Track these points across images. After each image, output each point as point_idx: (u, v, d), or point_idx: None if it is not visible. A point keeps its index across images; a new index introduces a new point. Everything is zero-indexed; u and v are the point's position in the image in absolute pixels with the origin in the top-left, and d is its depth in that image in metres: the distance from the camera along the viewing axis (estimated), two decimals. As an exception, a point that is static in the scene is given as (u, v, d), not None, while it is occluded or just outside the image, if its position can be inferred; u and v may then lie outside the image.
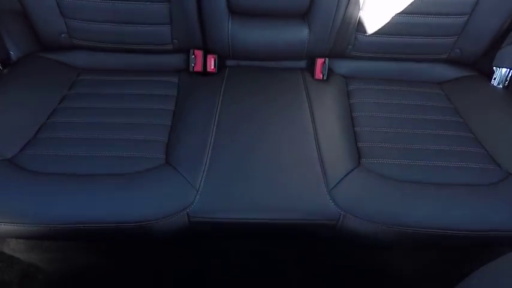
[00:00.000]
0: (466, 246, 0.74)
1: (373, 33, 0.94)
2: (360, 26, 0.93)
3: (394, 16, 0.91)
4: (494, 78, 0.97)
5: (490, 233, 0.68)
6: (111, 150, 0.75)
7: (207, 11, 0.90)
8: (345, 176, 0.73)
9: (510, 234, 0.68)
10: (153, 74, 0.98)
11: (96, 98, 0.89)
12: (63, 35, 0.94)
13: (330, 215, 0.70)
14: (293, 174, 0.73)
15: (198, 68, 1.00)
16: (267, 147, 0.77)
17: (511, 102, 0.92)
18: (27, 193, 0.67)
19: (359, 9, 0.91)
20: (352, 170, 0.74)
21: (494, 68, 0.96)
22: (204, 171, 0.72)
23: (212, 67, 1.00)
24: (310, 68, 1.02)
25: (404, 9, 0.90)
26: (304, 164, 0.75)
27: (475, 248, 0.78)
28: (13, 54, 0.97)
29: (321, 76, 1.00)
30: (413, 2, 0.88)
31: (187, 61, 1.00)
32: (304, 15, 0.93)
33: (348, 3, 0.89)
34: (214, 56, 0.99)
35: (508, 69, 0.94)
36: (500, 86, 0.96)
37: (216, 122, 0.81)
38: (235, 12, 0.92)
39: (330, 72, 1.02)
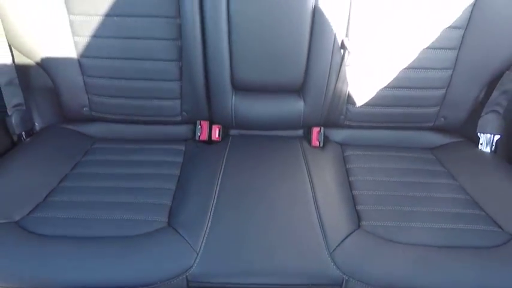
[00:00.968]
0: None
1: (362, 105, 1.05)
2: (349, 99, 1.04)
3: (379, 90, 1.02)
4: (481, 143, 1.03)
5: None
6: (114, 213, 0.77)
7: (214, 87, 1.02)
8: (345, 238, 0.73)
9: None
10: (161, 142, 1.06)
11: (107, 165, 0.95)
12: (84, 109, 1.06)
13: (333, 279, 0.68)
14: (293, 238, 0.73)
15: (204, 137, 1.09)
16: (267, 212, 0.79)
17: (501, 166, 0.96)
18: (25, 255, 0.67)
19: (347, 85, 1.03)
20: (353, 232, 0.75)
21: (478, 134, 1.03)
22: (205, 234, 0.73)
23: (217, 136, 1.08)
24: (307, 136, 1.10)
25: (388, 84, 1.01)
26: (304, 227, 0.75)
27: None
28: (37, 125, 1.07)
29: (318, 144, 1.07)
30: (395, 78, 1.00)
31: (194, 131, 1.09)
32: (299, 90, 1.04)
33: (336, 80, 1.01)
34: (219, 126, 1.09)
35: (492, 134, 1.01)
36: (488, 150, 1.02)
37: (218, 187, 0.85)
38: (238, 88, 1.04)
39: (326, 139, 1.09)
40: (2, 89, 0.97)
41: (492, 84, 1.01)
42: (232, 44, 0.94)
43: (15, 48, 0.97)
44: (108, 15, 0.92)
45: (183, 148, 1.04)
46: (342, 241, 0.72)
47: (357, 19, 0.93)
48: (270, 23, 0.92)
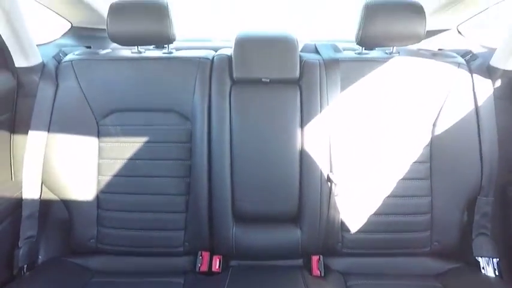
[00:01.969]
0: None
1: (356, 232, 1.10)
2: (343, 226, 1.10)
3: (370, 217, 1.09)
4: (483, 268, 1.02)
5: None
6: None
7: (217, 217, 1.10)
8: None
9: None
10: (160, 275, 1.05)
11: None
12: (91, 240, 1.10)
13: None
14: None
15: (204, 268, 1.09)
16: None
17: None
18: None
19: (339, 213, 1.11)
20: None
21: (476, 258, 1.04)
22: None
23: (217, 267, 1.08)
24: (307, 266, 1.09)
25: (376, 211, 1.10)
26: None
27: None
28: (40, 258, 1.09)
29: (319, 273, 1.06)
30: (381, 205, 1.09)
31: (194, 262, 1.10)
32: (295, 219, 1.12)
33: (328, 209, 1.10)
34: (219, 256, 1.10)
35: (490, 258, 1.02)
36: (493, 275, 1.00)
37: None
38: (239, 218, 1.12)
39: (327, 269, 1.08)
40: (22, 221, 1.06)
41: (470, 208, 1.10)
42: (234, 177, 1.09)
43: (46, 185, 1.11)
44: (131, 159, 1.12)
45: (182, 281, 1.02)
46: None
47: (337, 157, 1.10)
48: (265, 161, 1.10)
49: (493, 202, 1.08)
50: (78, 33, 1.42)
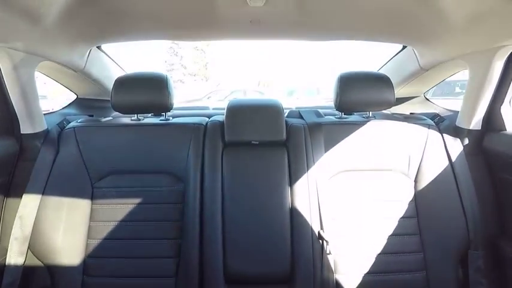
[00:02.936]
0: None
1: None
2: (338, 286, 1.08)
3: (365, 276, 1.08)
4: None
5: None
6: None
7: (207, 281, 1.07)
8: None
9: None
10: None
11: None
12: None
13: None
14: None
15: None
16: None
17: None
18: None
19: (333, 273, 1.09)
20: None
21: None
22: None
23: None
24: None
25: (370, 270, 1.09)
26: None
27: None
28: None
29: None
30: (374, 264, 1.09)
31: None
32: (289, 281, 1.09)
33: (321, 268, 1.08)
34: None
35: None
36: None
37: None
38: (231, 281, 1.09)
39: None
40: (2, 289, 1.01)
41: (464, 263, 1.10)
42: (225, 238, 1.10)
43: (32, 249, 1.08)
44: (123, 221, 1.12)
45: None
46: None
47: (327, 214, 1.13)
48: (256, 219, 1.12)
49: (484, 255, 1.09)
50: (82, 103, 1.54)
